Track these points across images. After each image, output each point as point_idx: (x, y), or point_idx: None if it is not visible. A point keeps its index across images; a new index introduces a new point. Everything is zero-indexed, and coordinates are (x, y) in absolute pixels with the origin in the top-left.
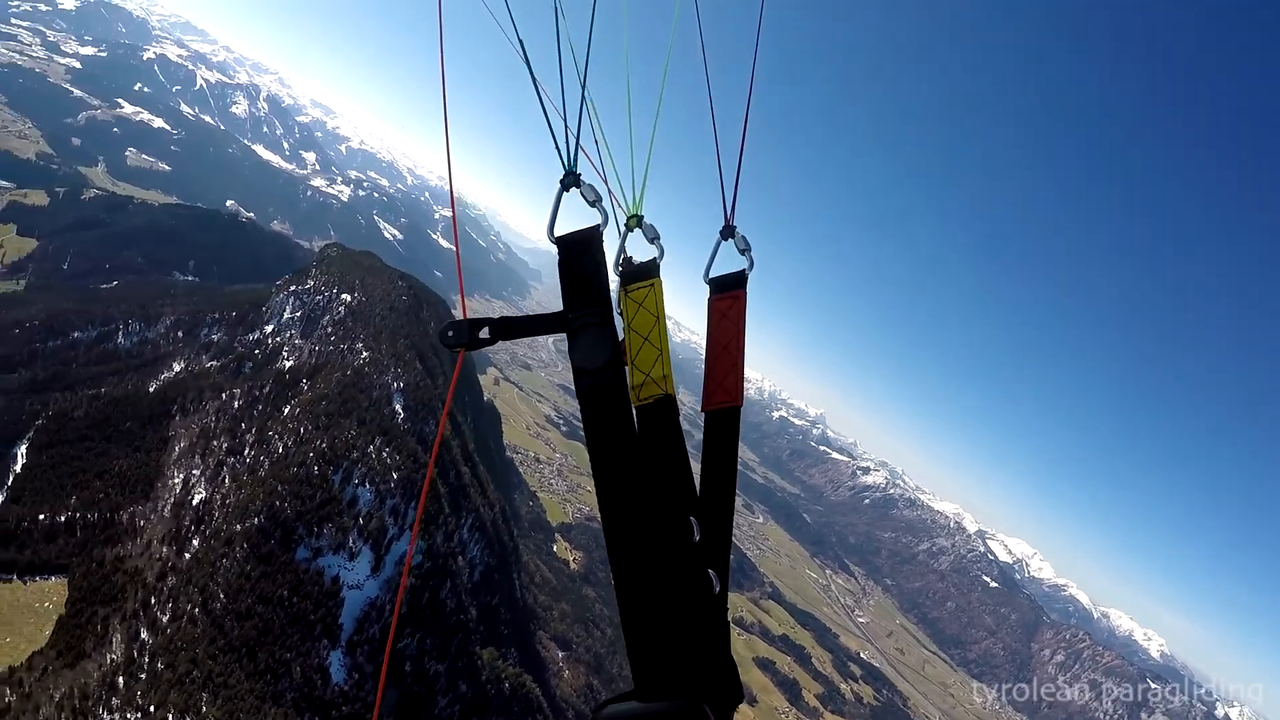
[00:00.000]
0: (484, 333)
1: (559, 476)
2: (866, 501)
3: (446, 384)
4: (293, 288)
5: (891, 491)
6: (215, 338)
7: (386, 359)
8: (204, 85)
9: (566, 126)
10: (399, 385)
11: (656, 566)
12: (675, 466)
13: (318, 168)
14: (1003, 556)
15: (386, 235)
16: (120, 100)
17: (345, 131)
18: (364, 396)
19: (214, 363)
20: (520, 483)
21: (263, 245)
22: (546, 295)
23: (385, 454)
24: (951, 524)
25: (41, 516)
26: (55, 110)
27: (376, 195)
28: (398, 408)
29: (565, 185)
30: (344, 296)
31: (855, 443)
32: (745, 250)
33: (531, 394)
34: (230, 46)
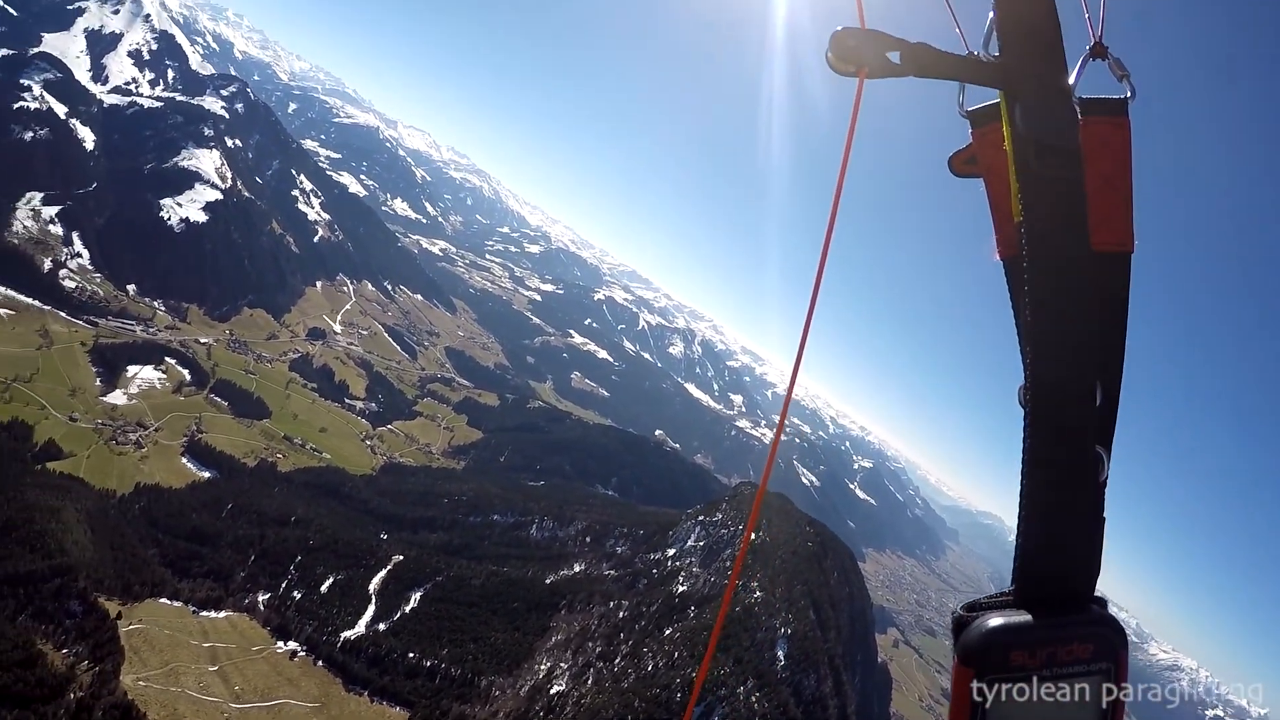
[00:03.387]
0: (895, 56)
1: None
2: None
3: (839, 638)
4: (701, 517)
5: None
6: (619, 550)
7: (779, 602)
8: (645, 326)
9: None
10: (786, 631)
11: (1072, 426)
12: None
13: (743, 410)
14: None
15: (804, 480)
16: (571, 331)
17: (772, 378)
18: (747, 636)
19: (612, 571)
20: None
21: (682, 474)
22: (962, 557)
23: (755, 698)
24: None
25: (411, 654)
26: (515, 332)
27: (798, 441)
28: (779, 654)
29: None
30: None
31: None
32: (1124, 76)
33: (931, 662)
34: (670, 295)
